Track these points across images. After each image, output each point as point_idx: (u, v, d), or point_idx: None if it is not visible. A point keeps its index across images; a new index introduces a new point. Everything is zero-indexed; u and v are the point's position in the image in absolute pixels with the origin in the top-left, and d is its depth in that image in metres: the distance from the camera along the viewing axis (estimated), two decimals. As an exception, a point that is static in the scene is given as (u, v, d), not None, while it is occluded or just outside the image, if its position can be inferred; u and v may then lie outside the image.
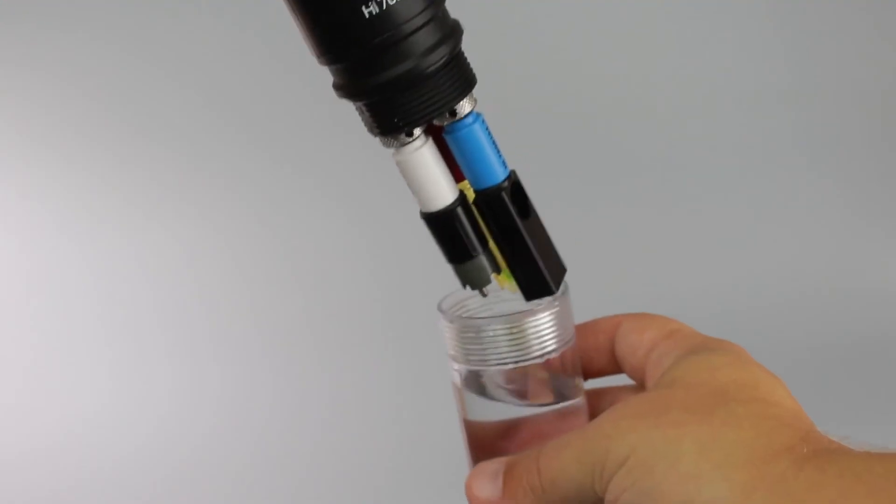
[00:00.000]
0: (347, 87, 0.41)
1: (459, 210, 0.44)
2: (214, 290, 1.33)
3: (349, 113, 0.43)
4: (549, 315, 0.44)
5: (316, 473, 1.19)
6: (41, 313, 1.32)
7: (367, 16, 0.39)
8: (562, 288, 0.45)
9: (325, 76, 0.42)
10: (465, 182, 0.45)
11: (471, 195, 0.45)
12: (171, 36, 1.33)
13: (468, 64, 0.42)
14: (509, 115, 1.10)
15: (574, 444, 0.40)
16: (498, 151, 0.44)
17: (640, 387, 0.46)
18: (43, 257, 1.32)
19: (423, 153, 0.43)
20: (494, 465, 0.42)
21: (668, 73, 1.43)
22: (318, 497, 1.17)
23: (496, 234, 0.44)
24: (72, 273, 1.32)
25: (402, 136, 0.42)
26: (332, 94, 0.42)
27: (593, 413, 0.47)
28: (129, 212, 1.33)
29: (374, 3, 0.38)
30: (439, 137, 0.44)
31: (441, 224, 0.44)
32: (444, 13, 0.41)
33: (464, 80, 0.42)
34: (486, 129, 0.44)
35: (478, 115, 0.43)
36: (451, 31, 0.41)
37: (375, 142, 0.43)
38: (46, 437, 1.24)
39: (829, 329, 1.29)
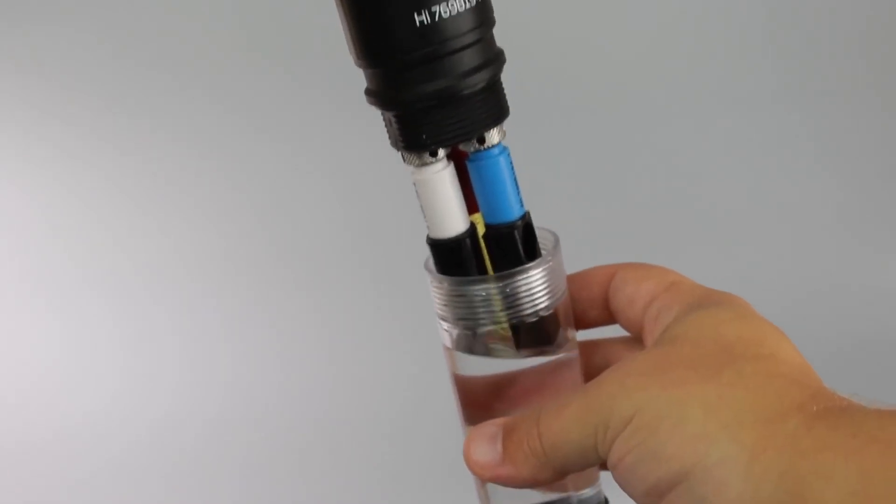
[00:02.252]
0: (380, 95, 0.40)
1: (468, 242, 0.42)
2: (208, 267, 1.33)
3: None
4: (542, 272, 0.42)
5: (317, 442, 1.20)
6: (42, 305, 1.31)
7: (417, 24, 0.38)
8: (553, 242, 0.43)
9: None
10: (477, 215, 0.43)
11: (481, 228, 0.43)
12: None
13: (504, 94, 0.42)
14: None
15: (575, 403, 0.39)
16: (517, 188, 0.43)
17: (637, 339, 0.45)
18: (39, 241, 1.32)
19: (443, 176, 0.42)
20: (492, 427, 0.41)
21: (667, 72, 1.42)
22: (320, 468, 1.18)
23: (500, 271, 0.43)
24: (65, 253, 1.32)
25: (426, 154, 0.41)
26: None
27: (587, 365, 0.46)
28: (119, 197, 1.33)
29: (426, 11, 0.38)
30: (461, 164, 0.42)
31: (446, 253, 0.43)
32: (491, 38, 0.40)
33: (498, 109, 0.41)
34: (511, 163, 0.42)
35: (504, 147, 0.42)
36: (495, 58, 0.40)
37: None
38: (48, 431, 1.23)
39: (828, 329, 1.29)
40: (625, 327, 0.45)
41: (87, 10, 1.28)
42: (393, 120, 0.41)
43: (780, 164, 1.45)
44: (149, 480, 1.20)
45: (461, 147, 0.42)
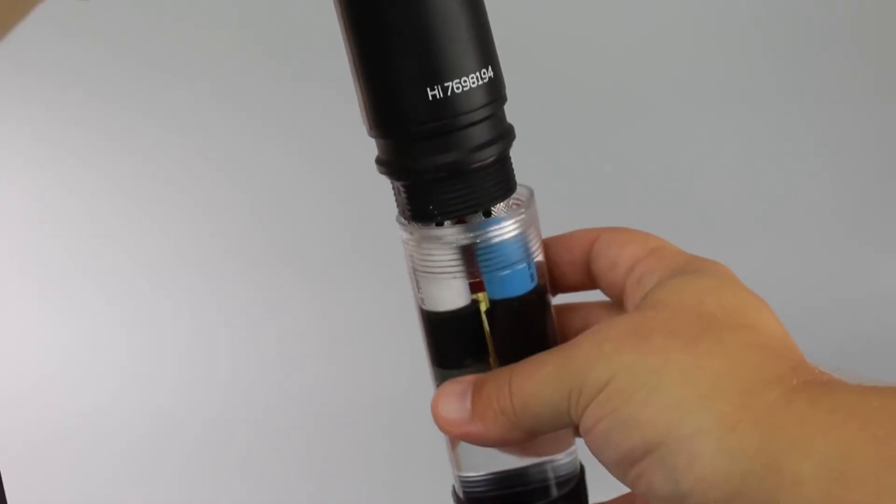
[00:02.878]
0: (390, 165, 0.40)
1: (465, 317, 0.41)
2: (215, 291, 1.33)
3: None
4: (514, 224, 0.41)
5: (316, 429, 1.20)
6: (42, 301, 1.32)
7: (430, 98, 0.38)
8: (527, 195, 0.42)
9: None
10: (481, 294, 0.41)
11: (484, 304, 0.42)
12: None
13: (512, 169, 0.42)
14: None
15: (551, 363, 0.38)
16: (530, 262, 0.41)
17: (617, 304, 0.44)
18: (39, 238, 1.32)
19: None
20: (462, 384, 0.40)
21: (666, 76, 1.42)
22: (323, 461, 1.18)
23: (499, 343, 0.42)
24: (66, 248, 1.32)
25: (433, 226, 0.41)
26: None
27: (566, 328, 0.45)
28: (119, 195, 1.33)
29: (439, 87, 0.38)
30: None
31: (438, 326, 0.42)
32: (502, 114, 0.41)
33: (506, 184, 0.41)
34: (525, 237, 0.41)
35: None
36: (505, 133, 0.41)
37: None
38: (49, 429, 1.24)
39: (827, 329, 1.29)
40: (605, 292, 0.44)
41: (85, 8, 1.28)
42: (401, 189, 0.41)
43: (780, 164, 1.44)
44: (150, 476, 1.20)
45: (467, 220, 0.41)
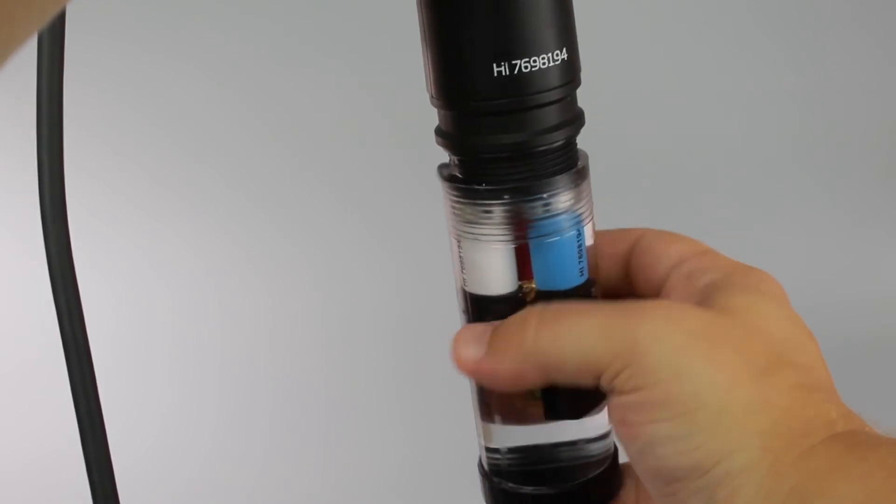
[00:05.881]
0: (448, 137, 0.38)
1: (508, 302, 0.39)
2: (216, 291, 1.33)
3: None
4: (570, 192, 0.39)
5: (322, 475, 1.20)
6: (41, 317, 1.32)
7: (496, 74, 0.36)
8: (583, 160, 0.40)
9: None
10: (531, 283, 0.40)
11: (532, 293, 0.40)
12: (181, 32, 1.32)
13: (577, 155, 0.40)
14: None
15: (606, 312, 0.36)
16: (580, 256, 0.39)
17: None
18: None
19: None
20: (484, 325, 0.39)
21: (666, 77, 1.42)
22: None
23: None
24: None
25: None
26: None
27: None
28: (134, 213, 1.33)
29: (506, 63, 0.36)
30: None
31: (478, 307, 0.40)
32: (572, 99, 0.39)
33: (565, 169, 0.39)
34: (579, 230, 0.39)
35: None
36: (574, 119, 0.38)
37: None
38: (45, 443, 1.22)
39: (828, 333, 1.27)
40: (641, 288, 0.42)
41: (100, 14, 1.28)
42: (456, 163, 0.39)
43: (780, 168, 1.44)
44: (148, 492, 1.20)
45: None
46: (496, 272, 0.39)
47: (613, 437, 0.41)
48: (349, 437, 1.24)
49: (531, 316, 0.37)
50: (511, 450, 0.42)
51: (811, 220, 1.43)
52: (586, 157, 0.40)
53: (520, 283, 0.39)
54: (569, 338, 0.36)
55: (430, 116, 0.39)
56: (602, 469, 0.42)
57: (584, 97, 0.39)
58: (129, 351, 1.30)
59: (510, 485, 0.42)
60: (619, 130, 1.40)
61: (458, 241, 0.40)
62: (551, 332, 0.36)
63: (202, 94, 1.33)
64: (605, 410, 0.39)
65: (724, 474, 0.34)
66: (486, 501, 0.43)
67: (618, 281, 0.43)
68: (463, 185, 0.39)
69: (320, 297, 1.34)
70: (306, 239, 1.36)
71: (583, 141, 0.40)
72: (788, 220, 1.43)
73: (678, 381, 0.35)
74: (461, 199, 0.39)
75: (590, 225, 0.40)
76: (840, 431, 0.35)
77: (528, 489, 0.41)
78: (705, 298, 0.38)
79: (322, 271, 1.35)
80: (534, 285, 0.39)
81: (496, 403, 0.41)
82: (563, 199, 0.39)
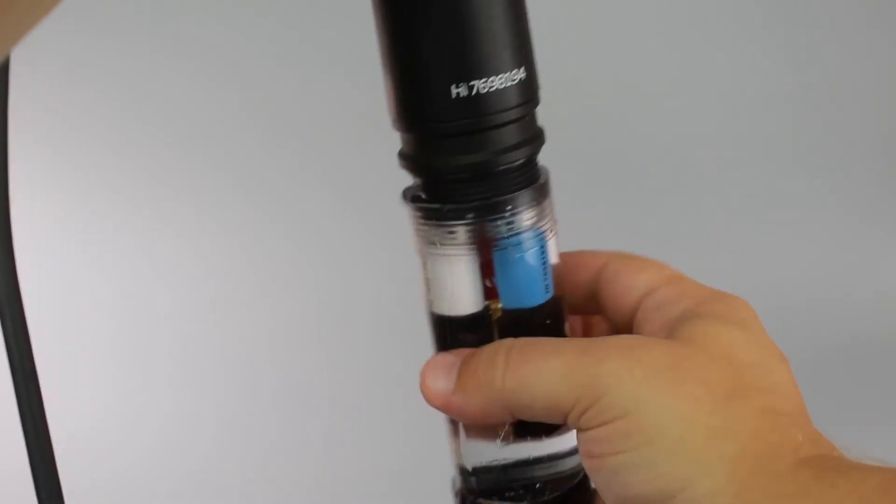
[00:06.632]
0: (409, 160, 0.39)
1: (475, 322, 0.39)
2: (217, 291, 1.33)
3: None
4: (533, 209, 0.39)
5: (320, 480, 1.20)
6: (43, 317, 1.32)
7: (453, 96, 0.36)
8: (543, 177, 0.39)
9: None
10: (494, 303, 0.40)
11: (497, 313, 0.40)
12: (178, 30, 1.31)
13: (538, 174, 0.40)
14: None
15: (565, 355, 0.36)
16: (545, 272, 0.39)
17: (623, 330, 0.42)
18: (43, 260, 1.30)
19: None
20: (453, 356, 0.39)
21: (667, 76, 1.42)
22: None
23: None
24: (72, 274, 1.32)
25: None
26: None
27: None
28: (133, 214, 1.33)
29: (464, 85, 0.36)
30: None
31: (445, 329, 0.40)
32: (532, 118, 0.39)
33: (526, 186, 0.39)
34: (543, 247, 0.39)
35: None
36: (533, 138, 0.39)
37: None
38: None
39: (828, 333, 1.28)
40: (611, 317, 0.42)
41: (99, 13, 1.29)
42: (419, 184, 0.40)
43: (780, 167, 1.44)
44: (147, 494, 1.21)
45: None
46: (462, 292, 0.39)
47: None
48: (349, 436, 1.24)
49: (499, 354, 0.37)
50: (482, 468, 0.42)
51: (811, 219, 1.43)
52: (547, 173, 0.40)
53: (486, 302, 0.40)
54: (535, 380, 0.36)
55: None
56: (573, 483, 0.42)
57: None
58: (129, 351, 1.30)
59: (483, 501, 0.42)
60: (619, 130, 1.40)
61: (424, 262, 0.40)
62: (518, 376, 0.37)
63: (201, 94, 1.33)
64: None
65: (689, 500, 0.34)
66: None
67: (584, 308, 0.43)
68: (426, 206, 0.39)
69: (320, 297, 1.35)
70: (306, 238, 1.36)
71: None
72: (788, 220, 1.43)
73: (640, 413, 0.35)
74: (425, 220, 0.39)
75: (553, 241, 0.40)
76: (807, 455, 0.35)
77: None
78: (674, 330, 0.38)
79: (322, 271, 1.36)
80: (500, 304, 0.40)
81: (466, 424, 0.41)
82: (525, 217, 0.39)
